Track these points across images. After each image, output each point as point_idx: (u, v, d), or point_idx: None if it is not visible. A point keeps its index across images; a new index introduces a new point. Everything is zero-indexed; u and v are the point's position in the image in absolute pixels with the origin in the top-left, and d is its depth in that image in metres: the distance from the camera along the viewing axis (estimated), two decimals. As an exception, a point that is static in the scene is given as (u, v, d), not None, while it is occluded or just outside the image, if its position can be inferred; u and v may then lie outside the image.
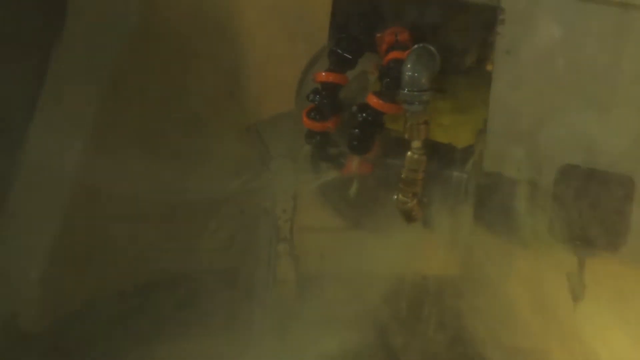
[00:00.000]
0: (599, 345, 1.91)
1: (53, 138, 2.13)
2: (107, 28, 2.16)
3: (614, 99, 1.52)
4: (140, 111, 2.22)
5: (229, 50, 2.34)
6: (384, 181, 1.70)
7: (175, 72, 2.27)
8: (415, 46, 1.60)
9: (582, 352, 1.94)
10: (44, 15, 2.10)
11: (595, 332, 1.89)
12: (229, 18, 2.31)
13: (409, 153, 1.61)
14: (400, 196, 1.64)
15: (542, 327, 1.97)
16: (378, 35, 1.67)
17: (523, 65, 1.55)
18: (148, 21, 2.18)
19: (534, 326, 1.98)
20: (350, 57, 1.70)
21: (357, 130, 1.64)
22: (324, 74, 1.70)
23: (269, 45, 2.30)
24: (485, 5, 1.56)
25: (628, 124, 1.53)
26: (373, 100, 1.63)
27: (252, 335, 1.95)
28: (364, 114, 1.64)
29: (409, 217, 1.66)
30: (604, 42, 1.49)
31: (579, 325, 1.87)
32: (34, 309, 2.13)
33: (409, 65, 1.57)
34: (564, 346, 1.95)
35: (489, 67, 1.62)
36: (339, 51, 1.70)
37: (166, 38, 2.22)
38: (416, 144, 1.61)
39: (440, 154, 1.68)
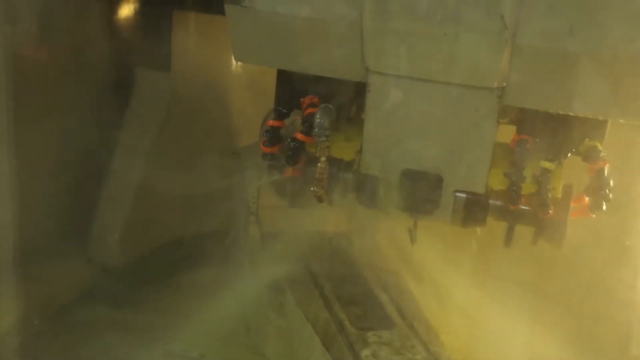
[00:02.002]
0: (427, 267, 2.17)
1: (126, 160, 2.36)
2: (156, 95, 2.39)
3: (429, 132, 1.71)
4: (174, 143, 2.43)
5: (222, 106, 2.59)
6: (306, 179, 1.90)
7: (193, 119, 2.49)
8: (322, 105, 1.82)
9: (417, 272, 2.18)
10: (121, 92, 2.37)
11: (424, 260, 2.16)
12: (223, 88, 2.58)
13: (319, 164, 1.83)
14: (315, 188, 1.85)
15: (395, 257, 2.20)
16: (301, 99, 1.89)
17: (381, 114, 1.73)
18: (178, 91, 2.41)
19: (391, 257, 2.21)
20: (286, 112, 1.93)
21: (290, 152, 1.87)
22: (271, 121, 1.93)
23: (245, 104, 2.55)
24: (360, 82, 1.73)
25: (437, 146, 1.73)
26: (299, 135, 1.86)
27: (236, 266, 2.11)
28: (294, 143, 1.87)
29: (320, 199, 1.87)
30: (420, 99, 1.67)
31: (414, 256, 2.14)
32: (116, 253, 2.35)
33: (318, 116, 1.80)
34: (407, 268, 2.19)
35: (363, 116, 1.79)
36: (280, 108, 1.93)
37: (187, 99, 2.44)
38: (323, 158, 1.83)
39: (336, 164, 1.88)
